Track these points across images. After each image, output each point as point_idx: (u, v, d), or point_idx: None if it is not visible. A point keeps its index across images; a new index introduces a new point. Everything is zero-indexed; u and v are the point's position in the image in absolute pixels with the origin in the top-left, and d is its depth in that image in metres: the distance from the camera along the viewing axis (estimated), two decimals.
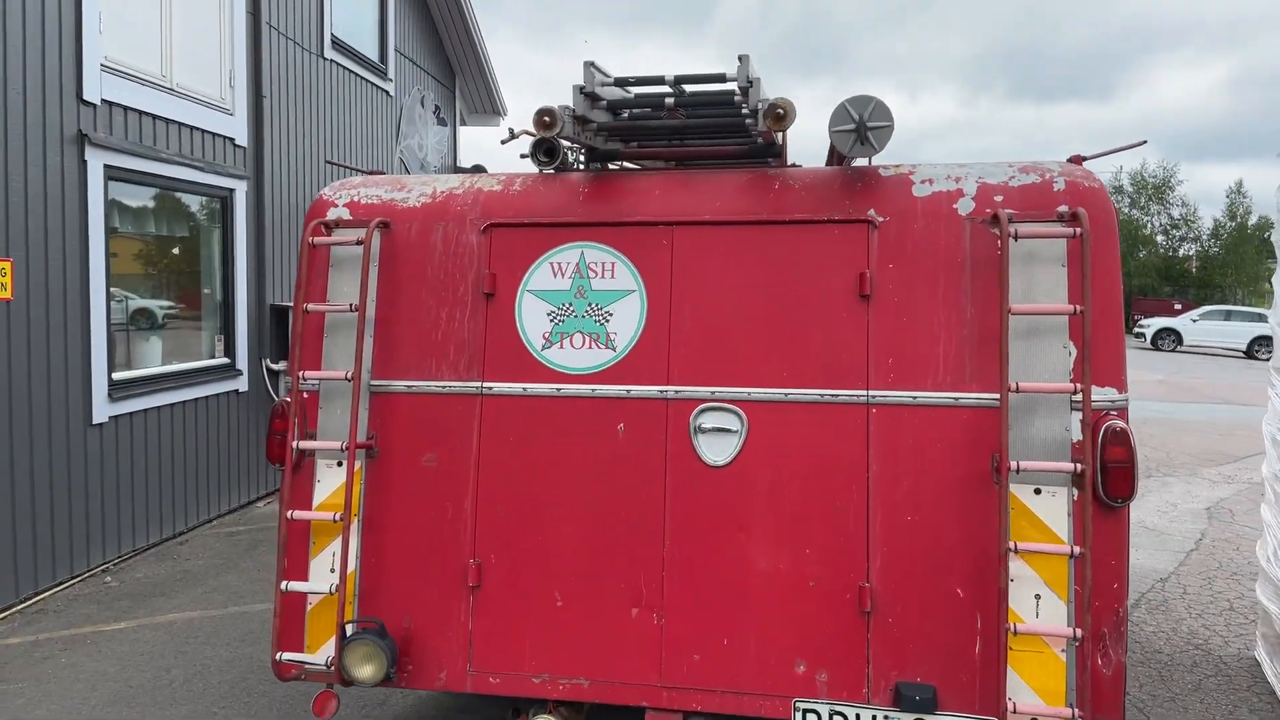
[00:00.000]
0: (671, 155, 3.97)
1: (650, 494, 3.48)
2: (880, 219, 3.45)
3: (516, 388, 3.63)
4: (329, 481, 3.67)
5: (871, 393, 3.38)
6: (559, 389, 3.60)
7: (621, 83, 3.59)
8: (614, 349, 3.58)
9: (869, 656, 3.30)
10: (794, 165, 3.82)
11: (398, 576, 3.62)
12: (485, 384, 3.66)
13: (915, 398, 3.35)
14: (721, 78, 3.52)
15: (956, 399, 3.33)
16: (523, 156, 4.03)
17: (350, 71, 10.12)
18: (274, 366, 8.56)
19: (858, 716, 3.23)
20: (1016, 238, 3.25)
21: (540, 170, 3.86)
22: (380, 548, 3.64)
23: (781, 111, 3.27)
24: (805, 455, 3.40)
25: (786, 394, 3.43)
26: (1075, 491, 3.21)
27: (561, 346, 3.62)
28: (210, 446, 7.96)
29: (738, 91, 3.45)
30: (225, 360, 8.22)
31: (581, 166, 4.10)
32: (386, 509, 3.64)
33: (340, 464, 3.66)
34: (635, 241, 3.61)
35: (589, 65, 3.49)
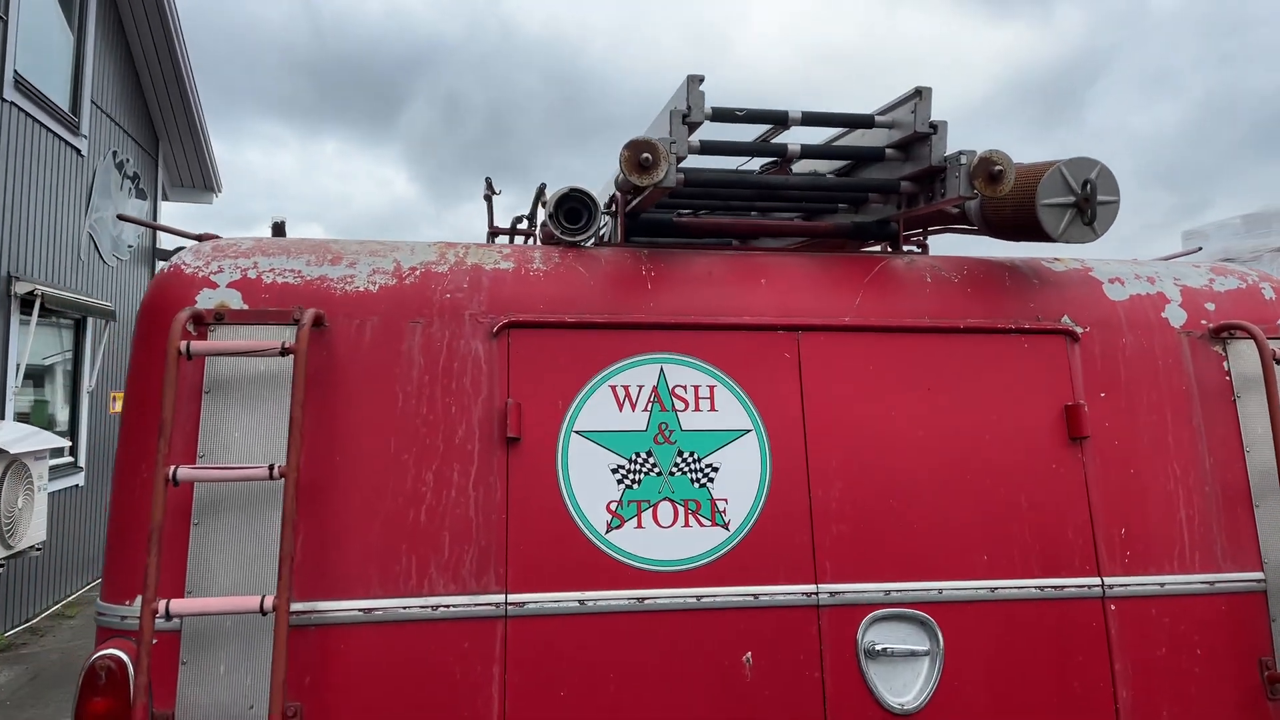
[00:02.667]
0: (763, 230, 2.75)
1: None
2: (1080, 329, 2.48)
3: (568, 600, 2.12)
4: None
5: (1107, 581, 2.32)
6: (641, 598, 2.15)
7: (722, 115, 2.33)
8: (726, 526, 2.22)
9: None
10: (918, 251, 2.76)
11: None
12: (511, 597, 2.11)
13: (1163, 585, 2.35)
14: (869, 121, 2.41)
15: (1212, 584, 2.37)
16: (518, 222, 2.60)
17: (34, 120, 7.65)
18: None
19: None
20: None
21: (563, 242, 2.46)
22: None
23: (999, 169, 2.20)
24: (1026, 678, 2.25)
25: (993, 589, 2.28)
26: None
27: (640, 524, 2.19)
28: None
29: (887, 142, 2.36)
30: None
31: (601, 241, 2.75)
32: None
33: None
34: (742, 353, 2.32)
35: (694, 81, 2.20)
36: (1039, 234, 2.51)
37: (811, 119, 2.38)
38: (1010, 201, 2.43)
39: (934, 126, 2.29)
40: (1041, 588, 2.29)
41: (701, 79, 2.20)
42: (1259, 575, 2.39)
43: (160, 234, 10.98)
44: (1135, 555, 2.35)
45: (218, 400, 2.09)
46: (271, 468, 1.97)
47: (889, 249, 2.77)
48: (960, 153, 2.24)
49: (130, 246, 9.93)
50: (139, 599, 1.99)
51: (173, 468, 1.94)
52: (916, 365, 2.38)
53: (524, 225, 3.48)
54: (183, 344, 2.00)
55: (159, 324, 2.13)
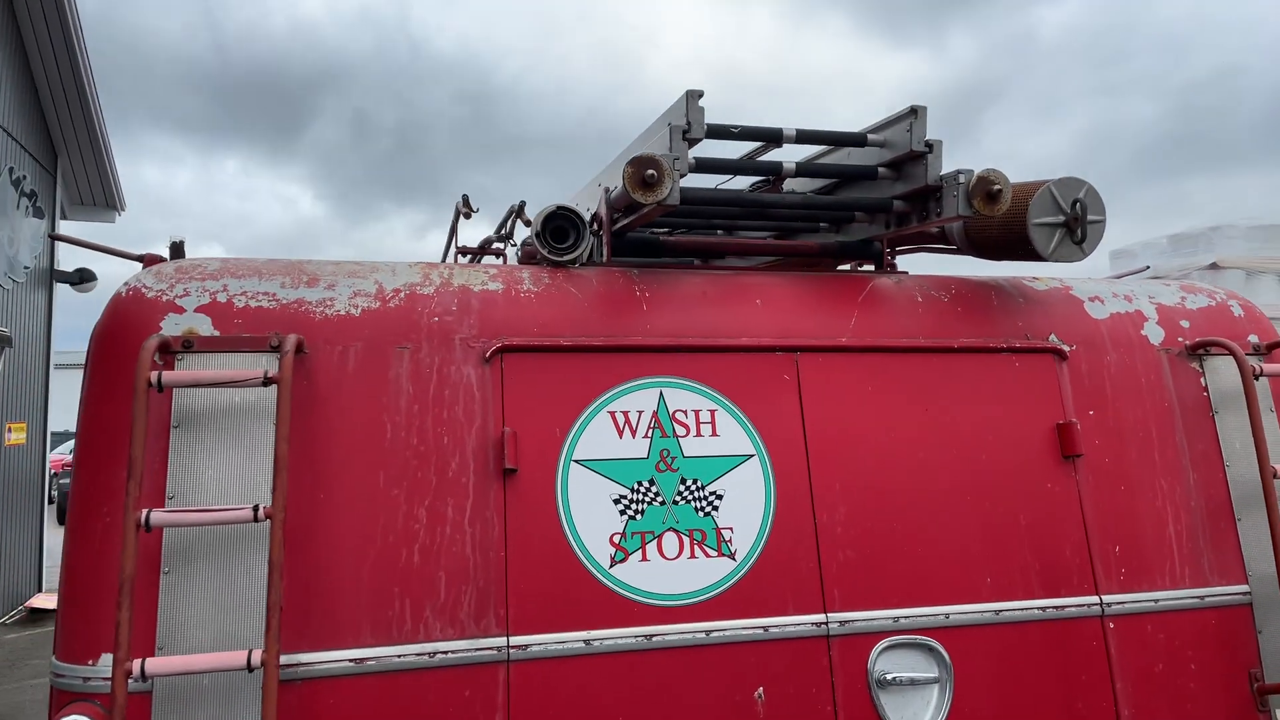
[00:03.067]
0: (752, 250, 2.68)
1: None
2: (1066, 347, 2.49)
3: (573, 640, 2.00)
4: None
5: (1105, 599, 2.32)
6: (649, 635, 2.05)
7: (717, 133, 2.26)
8: (733, 555, 2.14)
9: None
10: (901, 271, 2.74)
11: None
12: (513, 640, 1.98)
13: (1157, 601, 2.36)
14: (861, 139, 2.38)
15: (1202, 598, 2.40)
16: (489, 243, 2.48)
17: None
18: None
19: None
20: (1260, 375, 2.46)
21: (550, 262, 2.35)
22: None
23: (997, 188, 2.19)
24: (1033, 701, 2.22)
25: (997, 611, 2.25)
26: None
27: (644, 557, 2.09)
28: None
29: (884, 159, 2.33)
30: None
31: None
32: None
33: None
34: (741, 375, 2.25)
35: (694, 96, 2.13)
36: (1023, 253, 2.52)
37: (805, 137, 2.33)
38: (995, 221, 2.43)
39: (929, 145, 2.27)
40: (1044, 608, 2.27)
41: (701, 94, 2.13)
42: (1245, 588, 2.43)
43: (58, 254, 10.36)
44: (1130, 572, 2.36)
45: (188, 436, 1.91)
46: (256, 509, 1.80)
47: (860, 268, 2.74)
48: (959, 171, 2.22)
49: (27, 268, 9.33)
50: (105, 657, 1.79)
51: (144, 511, 1.75)
52: (911, 385, 2.35)
53: (497, 245, 3.34)
54: (153, 375, 1.82)
55: (119, 352, 1.94)
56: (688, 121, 2.12)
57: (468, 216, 2.98)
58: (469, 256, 3.41)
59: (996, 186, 2.19)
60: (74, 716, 1.73)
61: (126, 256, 2.88)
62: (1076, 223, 2.34)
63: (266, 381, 1.86)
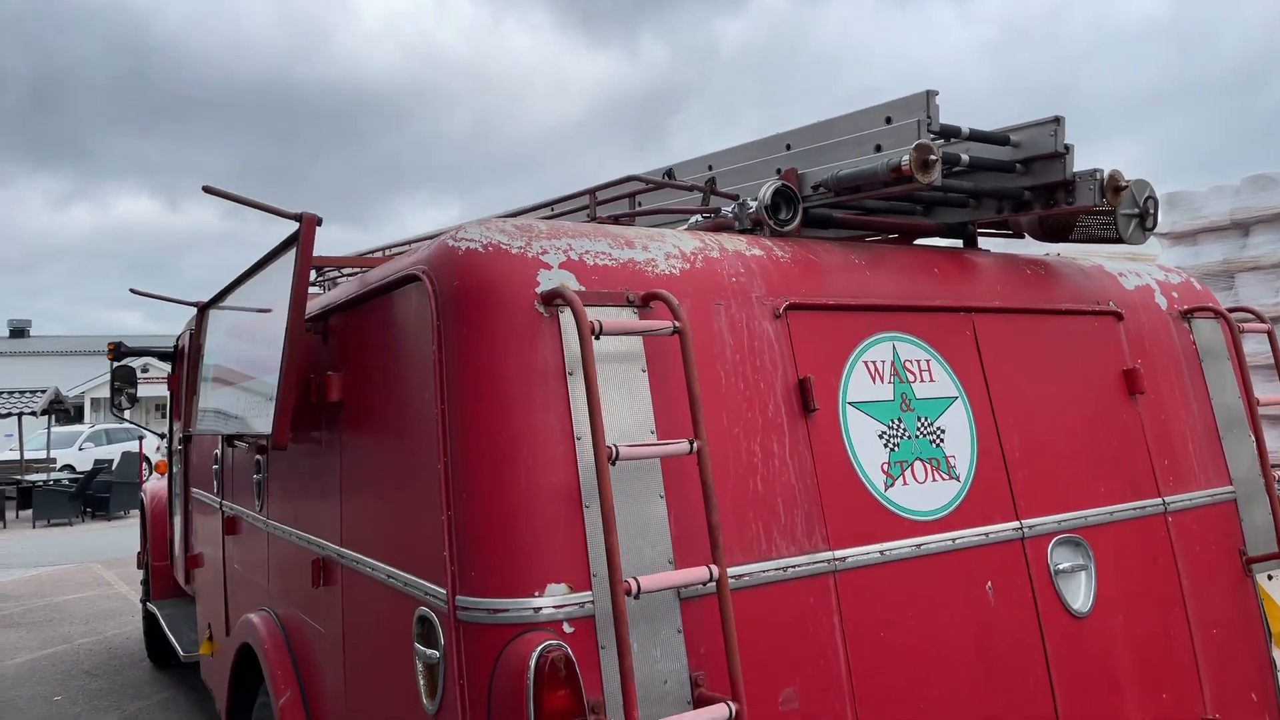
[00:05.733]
0: (916, 229, 3.12)
1: (1034, 670, 2.59)
2: (1122, 311, 3.21)
3: (872, 552, 2.38)
4: None
5: (1166, 500, 3.07)
6: (920, 545, 2.47)
7: (948, 133, 2.71)
8: (957, 478, 2.61)
9: None
10: (985, 249, 3.32)
11: None
12: (836, 554, 2.32)
13: (1192, 499, 3.15)
14: (1005, 139, 2.92)
15: (1212, 496, 3.22)
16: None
17: None
18: None
19: None
20: (1244, 331, 3.33)
21: (777, 230, 2.66)
22: None
23: (1124, 185, 2.84)
24: (1139, 580, 2.92)
25: (1112, 513, 2.91)
26: None
27: (905, 482, 2.51)
28: None
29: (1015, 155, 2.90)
30: None
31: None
32: None
33: None
34: (943, 332, 2.72)
35: (932, 96, 2.55)
36: (1078, 237, 3.21)
37: (975, 136, 2.83)
38: (1073, 210, 3.08)
39: (1067, 148, 2.86)
40: (1135, 509, 2.97)
41: (937, 93, 2.56)
42: (1231, 488, 3.29)
43: None
44: (1176, 479, 3.13)
45: (580, 381, 2.05)
46: (691, 442, 2.00)
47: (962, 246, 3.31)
48: (1094, 170, 2.84)
49: None
50: (550, 588, 1.91)
51: (614, 446, 1.89)
52: (1041, 340, 2.95)
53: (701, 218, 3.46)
54: (595, 322, 1.95)
55: (505, 305, 2.03)
56: (928, 117, 2.54)
57: (668, 175, 3.13)
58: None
59: (1123, 184, 2.83)
60: (547, 642, 1.84)
61: (279, 213, 2.76)
62: (1148, 215, 3.05)
63: (675, 331, 2.05)
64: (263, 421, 2.87)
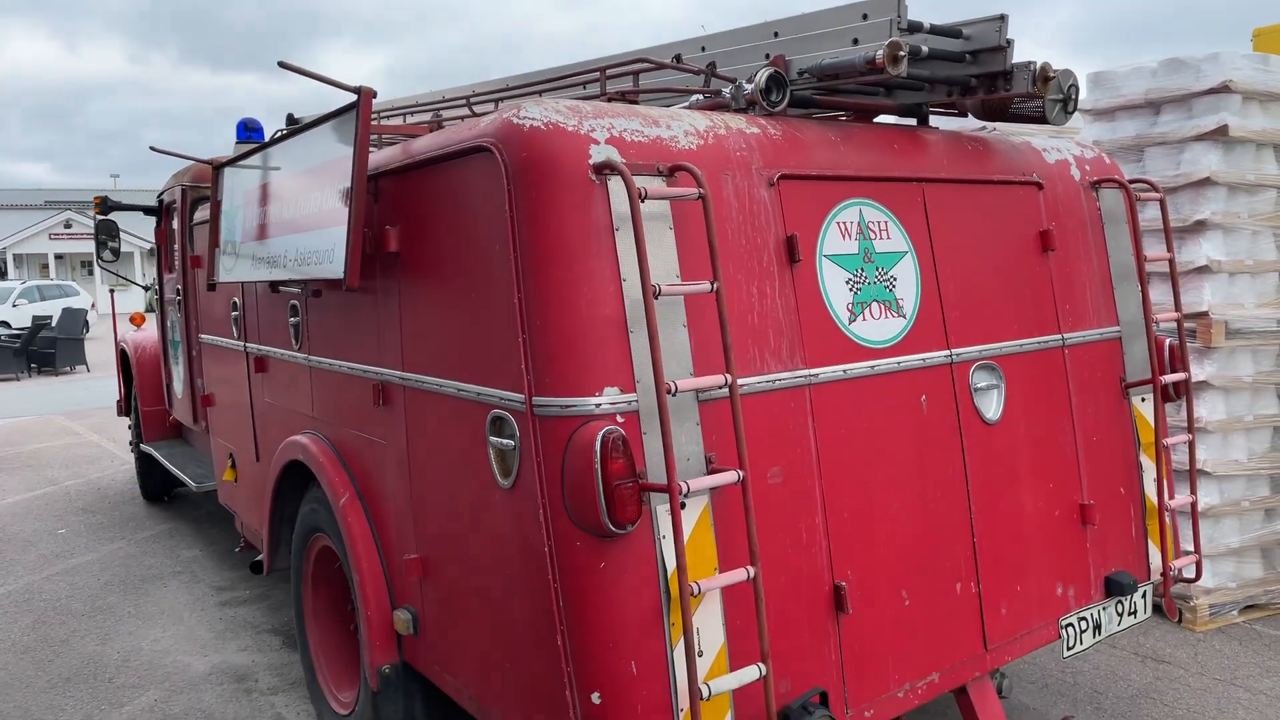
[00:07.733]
0: (879, 109, 3.67)
1: (953, 463, 3.36)
2: (1042, 182, 3.86)
3: (837, 371, 3.06)
4: (673, 533, 2.60)
5: (1065, 336, 3.82)
6: (873, 366, 3.16)
7: (914, 28, 3.24)
8: (904, 316, 3.29)
9: (1090, 563, 3.80)
10: (933, 127, 3.91)
11: (773, 631, 2.78)
12: (811, 372, 2.99)
13: (1085, 337, 3.91)
14: (958, 32, 3.46)
15: (1103, 334, 3.99)
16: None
17: None
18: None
19: (1096, 614, 3.74)
20: (1141, 200, 4.03)
21: (769, 110, 3.21)
22: (746, 601, 2.74)
23: (1051, 75, 3.43)
24: (1038, 397, 3.68)
25: (1020, 345, 3.65)
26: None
27: (864, 318, 3.17)
28: None
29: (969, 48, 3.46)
30: None
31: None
32: (741, 551, 2.75)
33: (684, 504, 2.61)
34: (898, 199, 3.34)
35: None
36: (1014, 118, 3.82)
37: (935, 29, 3.36)
38: (1009, 95, 3.67)
39: (1009, 42, 3.42)
40: (1039, 343, 3.71)
41: None
42: (1118, 328, 4.05)
43: None
44: (1074, 320, 3.87)
45: (626, 236, 2.62)
46: (711, 284, 2.61)
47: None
48: (1029, 62, 3.41)
49: None
50: (607, 390, 2.54)
51: (658, 283, 2.50)
52: (975, 207, 3.59)
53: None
54: (641, 188, 2.51)
55: (565, 173, 2.57)
56: (899, 15, 3.08)
57: (712, 69, 3.60)
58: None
59: (1051, 74, 3.42)
60: (608, 427, 2.48)
61: (344, 87, 3.19)
62: (1069, 100, 3.65)
63: (700, 195, 2.63)
64: (327, 268, 3.39)
